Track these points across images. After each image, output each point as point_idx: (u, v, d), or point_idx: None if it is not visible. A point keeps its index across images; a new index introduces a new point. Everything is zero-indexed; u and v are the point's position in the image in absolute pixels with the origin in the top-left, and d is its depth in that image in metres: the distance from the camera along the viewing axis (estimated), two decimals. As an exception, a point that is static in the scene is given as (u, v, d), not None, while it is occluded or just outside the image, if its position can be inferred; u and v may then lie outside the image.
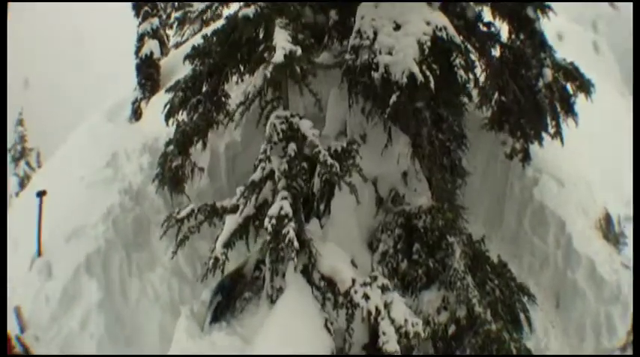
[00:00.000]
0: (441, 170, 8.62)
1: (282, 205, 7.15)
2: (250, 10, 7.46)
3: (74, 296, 9.22)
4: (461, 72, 7.91)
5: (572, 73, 9.28)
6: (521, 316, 9.09)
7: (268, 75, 6.90)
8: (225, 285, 8.63)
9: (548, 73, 9.03)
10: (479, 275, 8.65)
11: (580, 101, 9.70)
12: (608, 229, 10.83)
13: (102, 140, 12.18)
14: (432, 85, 7.57)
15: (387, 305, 7.01)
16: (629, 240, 10.52)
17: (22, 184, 24.25)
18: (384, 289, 7.12)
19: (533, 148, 10.17)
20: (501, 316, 8.72)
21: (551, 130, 9.82)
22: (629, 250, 10.41)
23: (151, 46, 13.80)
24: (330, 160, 7.15)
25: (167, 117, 9.89)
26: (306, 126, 7.44)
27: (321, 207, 8.80)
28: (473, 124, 9.95)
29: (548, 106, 9.22)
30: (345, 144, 7.69)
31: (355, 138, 8.65)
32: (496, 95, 9.67)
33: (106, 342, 8.90)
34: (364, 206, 8.63)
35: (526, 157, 10.14)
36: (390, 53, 7.77)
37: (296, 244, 6.90)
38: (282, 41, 6.95)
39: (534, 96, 9.15)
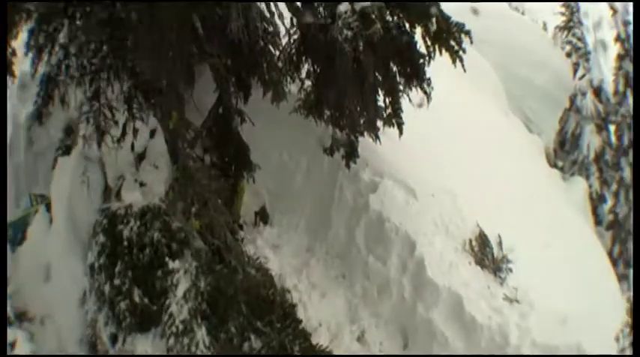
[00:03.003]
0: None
1: None
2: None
3: None
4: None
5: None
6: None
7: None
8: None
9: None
10: (233, 320, 5.00)
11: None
12: (483, 253, 7.44)
13: None
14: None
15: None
16: (517, 266, 7.30)
17: None
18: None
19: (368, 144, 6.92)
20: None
21: (386, 113, 6.50)
22: (516, 279, 7.18)
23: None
24: None
25: None
26: None
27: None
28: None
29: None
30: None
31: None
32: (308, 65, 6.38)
33: None
34: (90, 194, 5.85)
35: (351, 154, 6.87)
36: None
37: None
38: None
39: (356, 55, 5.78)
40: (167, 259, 5.03)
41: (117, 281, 5.17)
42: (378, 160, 7.30)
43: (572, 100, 14.75)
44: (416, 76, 6.16)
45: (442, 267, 6.92)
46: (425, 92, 6.27)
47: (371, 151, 7.24)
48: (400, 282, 6.89)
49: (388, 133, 7.39)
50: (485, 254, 7.47)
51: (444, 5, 5.82)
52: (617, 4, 14.25)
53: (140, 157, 5.62)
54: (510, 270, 7.32)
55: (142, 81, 5.40)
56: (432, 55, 5.96)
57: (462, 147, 8.26)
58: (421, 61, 6.08)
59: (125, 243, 5.25)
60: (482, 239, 7.52)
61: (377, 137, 6.86)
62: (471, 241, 7.41)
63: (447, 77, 8.36)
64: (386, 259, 6.99)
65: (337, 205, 7.44)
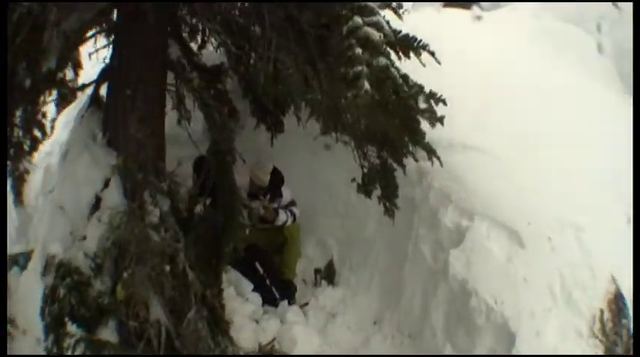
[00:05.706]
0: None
1: None
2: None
3: None
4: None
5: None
6: None
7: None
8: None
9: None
10: None
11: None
12: (617, 331, 4.78)
13: None
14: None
15: None
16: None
17: None
18: None
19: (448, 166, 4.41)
20: None
21: None
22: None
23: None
24: None
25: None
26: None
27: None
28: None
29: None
30: None
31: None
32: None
33: None
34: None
35: (390, 194, 4.33)
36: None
37: None
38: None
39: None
40: (66, 319, 4.02)
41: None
42: (465, 192, 4.63)
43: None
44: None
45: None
46: None
47: (453, 179, 4.56)
48: (488, 387, 4.42)
49: (473, 144, 4.65)
50: (619, 332, 4.76)
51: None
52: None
53: (95, 208, 4.14)
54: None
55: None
56: None
57: (582, 154, 5.33)
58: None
59: (46, 291, 4.38)
60: (618, 307, 4.79)
61: (432, 155, 4.21)
62: (602, 312, 4.68)
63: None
64: (469, 350, 4.45)
65: (412, 263, 4.96)
